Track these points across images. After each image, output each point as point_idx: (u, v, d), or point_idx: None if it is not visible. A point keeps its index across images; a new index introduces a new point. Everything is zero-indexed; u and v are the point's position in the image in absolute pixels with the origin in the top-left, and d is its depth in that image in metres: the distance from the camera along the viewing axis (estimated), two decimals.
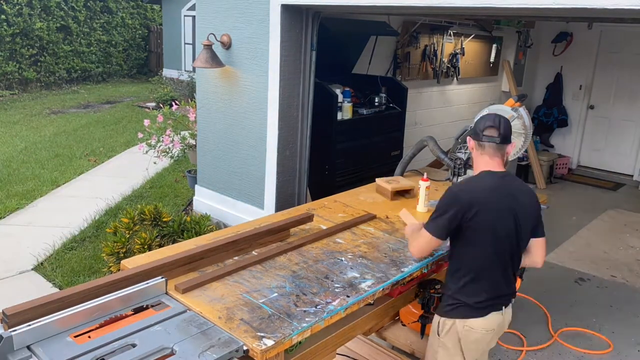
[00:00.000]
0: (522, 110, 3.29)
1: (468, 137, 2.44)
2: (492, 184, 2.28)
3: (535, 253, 2.44)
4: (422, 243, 2.39)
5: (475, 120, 2.53)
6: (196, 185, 5.42)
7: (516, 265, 2.38)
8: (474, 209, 2.21)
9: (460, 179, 3.34)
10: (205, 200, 5.28)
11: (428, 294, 2.90)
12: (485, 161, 2.34)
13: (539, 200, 2.41)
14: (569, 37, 7.84)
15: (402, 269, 2.47)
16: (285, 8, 4.10)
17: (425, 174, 3.36)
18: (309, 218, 2.87)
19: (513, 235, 2.28)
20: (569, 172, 8.00)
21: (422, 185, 3.31)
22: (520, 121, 3.25)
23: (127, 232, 4.16)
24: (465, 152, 3.37)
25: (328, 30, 4.64)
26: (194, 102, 5.72)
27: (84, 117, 10.70)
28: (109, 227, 4.47)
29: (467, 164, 3.39)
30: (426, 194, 3.29)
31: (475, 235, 2.25)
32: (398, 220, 3.09)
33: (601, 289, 4.55)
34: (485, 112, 3.34)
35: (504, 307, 2.37)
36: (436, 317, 2.45)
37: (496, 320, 2.35)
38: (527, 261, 2.45)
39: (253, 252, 2.55)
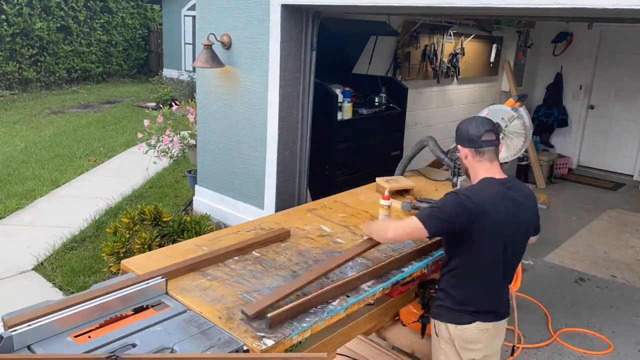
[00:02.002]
0: (522, 110, 3.29)
1: (459, 147, 2.35)
2: (498, 193, 2.22)
3: None
4: (405, 228, 2.26)
5: (462, 126, 2.37)
6: (196, 185, 5.42)
7: (511, 275, 2.37)
8: (480, 219, 2.16)
9: (460, 179, 3.33)
10: (205, 200, 5.28)
11: (428, 294, 2.90)
12: (486, 168, 2.29)
13: (537, 200, 2.40)
14: (569, 37, 7.84)
15: (402, 269, 2.47)
16: (286, 8, 4.10)
17: (387, 191, 3.05)
18: (286, 234, 2.73)
19: (517, 243, 2.28)
20: (569, 172, 8.00)
21: (383, 203, 2.92)
22: (520, 121, 3.25)
23: (127, 232, 4.16)
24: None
25: (328, 30, 4.64)
26: (194, 102, 5.72)
27: (84, 117, 10.71)
28: (109, 227, 4.48)
29: None
30: (387, 215, 2.93)
31: (479, 243, 2.21)
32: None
33: (601, 289, 4.55)
34: (484, 112, 3.34)
35: (502, 319, 2.38)
36: (432, 320, 2.46)
37: (488, 324, 2.34)
38: None
39: (253, 252, 2.55)
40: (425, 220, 2.19)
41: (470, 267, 2.28)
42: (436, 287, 2.65)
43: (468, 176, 2.41)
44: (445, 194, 2.28)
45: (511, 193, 2.24)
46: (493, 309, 2.34)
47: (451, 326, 2.34)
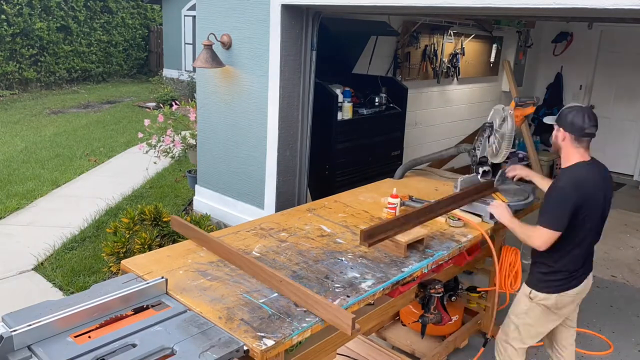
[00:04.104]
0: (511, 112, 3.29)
1: (559, 128, 2.66)
2: (593, 175, 2.61)
3: None
4: (547, 238, 2.60)
5: (569, 113, 2.64)
6: (196, 185, 5.42)
7: (601, 231, 2.78)
8: (584, 201, 2.54)
9: (482, 168, 3.37)
10: (205, 200, 5.28)
11: (428, 294, 2.90)
12: (580, 153, 2.64)
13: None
14: (569, 37, 7.84)
15: (402, 269, 2.47)
16: (286, 8, 4.10)
17: (395, 189, 3.11)
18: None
19: (605, 210, 2.69)
20: None
21: (391, 201, 3.00)
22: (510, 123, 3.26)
23: (127, 232, 4.16)
24: (477, 148, 3.39)
25: (328, 30, 4.64)
26: (194, 102, 5.72)
27: (84, 117, 10.71)
28: (109, 227, 4.47)
29: (481, 160, 3.40)
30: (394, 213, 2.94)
31: (585, 220, 2.59)
32: None
33: (601, 289, 4.55)
34: (498, 109, 3.31)
35: (590, 272, 2.81)
36: (527, 287, 2.80)
37: (587, 283, 2.79)
38: None
39: (254, 252, 2.56)
40: (554, 225, 2.57)
41: (576, 240, 2.63)
42: (440, 286, 2.87)
43: (558, 154, 2.81)
44: (550, 189, 2.69)
45: (600, 170, 2.67)
46: (589, 268, 2.79)
47: (553, 295, 2.71)
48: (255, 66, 4.44)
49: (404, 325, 3.61)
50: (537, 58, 8.28)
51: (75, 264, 4.51)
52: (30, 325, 1.76)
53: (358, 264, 2.50)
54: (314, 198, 4.63)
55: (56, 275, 4.33)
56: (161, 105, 9.80)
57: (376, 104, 5.40)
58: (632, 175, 7.76)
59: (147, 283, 2.09)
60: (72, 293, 3.91)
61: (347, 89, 5.05)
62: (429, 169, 4.34)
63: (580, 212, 2.57)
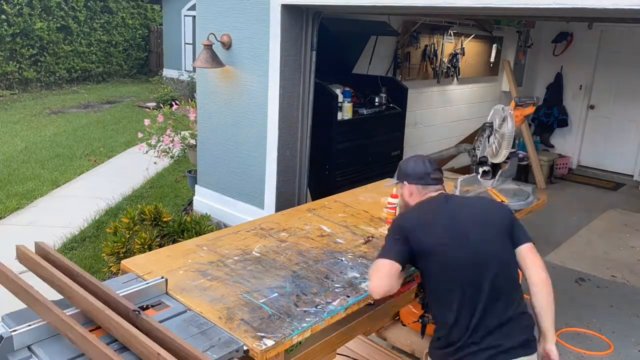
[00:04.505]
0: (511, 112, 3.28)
1: (404, 185, 2.38)
2: (433, 206, 2.24)
3: (528, 265, 2.14)
4: (381, 274, 2.08)
5: (408, 164, 2.41)
6: (196, 185, 5.43)
7: (505, 295, 2.06)
8: (413, 231, 2.12)
9: (482, 168, 3.35)
10: (205, 200, 5.28)
11: None
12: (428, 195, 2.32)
13: (505, 207, 2.40)
14: (569, 37, 7.84)
15: None
16: (286, 8, 4.11)
17: (395, 189, 2.99)
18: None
19: (472, 257, 2.04)
20: (569, 172, 8.00)
21: (391, 201, 2.94)
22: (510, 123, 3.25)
23: (127, 232, 4.16)
24: (477, 148, 3.39)
25: (328, 30, 4.64)
26: (194, 102, 5.73)
27: (84, 117, 10.71)
28: (109, 227, 4.47)
29: (481, 160, 3.40)
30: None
31: (431, 258, 2.08)
32: None
33: (601, 289, 4.55)
34: (498, 109, 3.32)
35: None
36: None
37: None
38: (529, 278, 2.16)
39: (254, 252, 2.56)
40: (388, 254, 2.11)
41: (437, 290, 2.13)
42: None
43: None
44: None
45: (450, 204, 2.23)
46: (489, 343, 1.98)
47: None
48: (255, 66, 4.45)
49: (404, 325, 3.61)
50: (537, 58, 8.28)
51: (76, 263, 4.50)
52: (30, 325, 1.76)
53: (358, 264, 2.49)
54: (314, 198, 4.63)
55: None
56: (161, 105, 9.79)
57: (376, 104, 5.41)
58: (632, 175, 7.76)
59: (147, 283, 2.09)
60: None
61: (347, 89, 5.05)
62: None
63: (417, 248, 2.11)
